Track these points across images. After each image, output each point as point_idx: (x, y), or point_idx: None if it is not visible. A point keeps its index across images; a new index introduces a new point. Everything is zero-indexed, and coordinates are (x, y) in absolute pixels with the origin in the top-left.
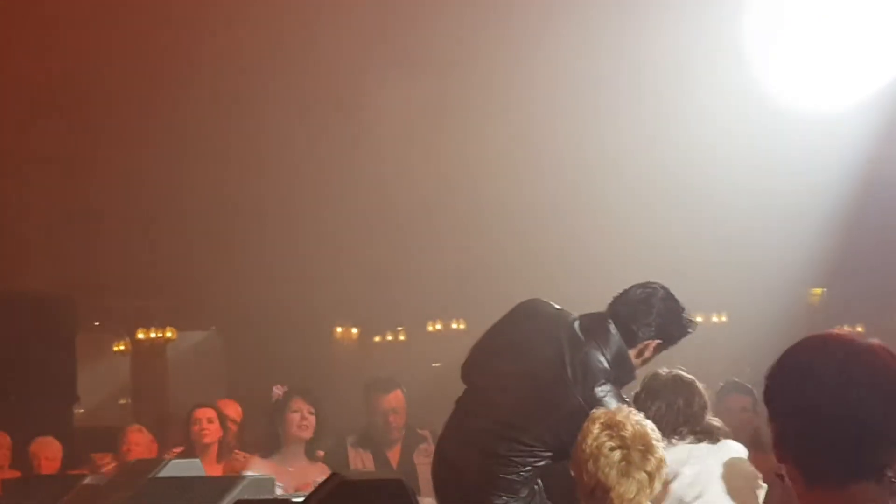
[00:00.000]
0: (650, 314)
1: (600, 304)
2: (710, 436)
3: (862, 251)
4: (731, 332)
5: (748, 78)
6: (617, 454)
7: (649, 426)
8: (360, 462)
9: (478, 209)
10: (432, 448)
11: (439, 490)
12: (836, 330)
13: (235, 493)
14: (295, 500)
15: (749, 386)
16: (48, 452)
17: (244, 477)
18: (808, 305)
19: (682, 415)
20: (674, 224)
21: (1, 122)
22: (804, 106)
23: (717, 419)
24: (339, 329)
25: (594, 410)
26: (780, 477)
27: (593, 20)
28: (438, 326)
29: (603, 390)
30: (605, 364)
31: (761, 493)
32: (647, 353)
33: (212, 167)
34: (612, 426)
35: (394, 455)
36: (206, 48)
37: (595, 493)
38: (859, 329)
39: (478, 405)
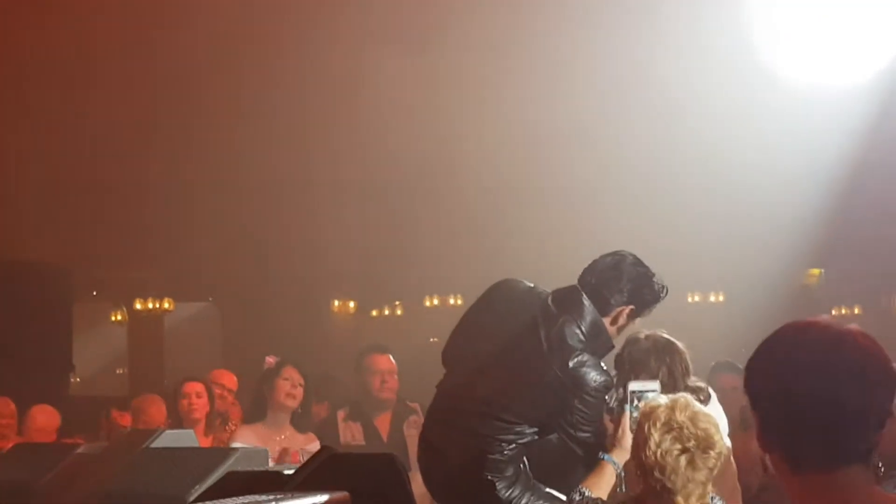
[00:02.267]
0: (620, 280)
1: None
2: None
3: (859, 232)
4: (727, 311)
5: (745, 60)
6: (683, 459)
7: (710, 420)
8: (350, 434)
9: (477, 185)
10: (422, 420)
11: (426, 475)
12: (812, 317)
13: (228, 465)
14: (286, 471)
15: (740, 366)
16: (45, 421)
17: (237, 448)
18: (805, 286)
19: (665, 385)
20: (671, 204)
21: (3, 95)
22: (802, 86)
23: (701, 381)
24: (336, 303)
25: (650, 405)
26: (765, 467)
27: (600, 4)
28: (436, 302)
29: (580, 361)
30: (581, 335)
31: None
32: (621, 321)
33: (211, 141)
34: (673, 428)
35: (383, 426)
36: (208, 22)
37: (662, 496)
38: (856, 310)
39: (458, 387)
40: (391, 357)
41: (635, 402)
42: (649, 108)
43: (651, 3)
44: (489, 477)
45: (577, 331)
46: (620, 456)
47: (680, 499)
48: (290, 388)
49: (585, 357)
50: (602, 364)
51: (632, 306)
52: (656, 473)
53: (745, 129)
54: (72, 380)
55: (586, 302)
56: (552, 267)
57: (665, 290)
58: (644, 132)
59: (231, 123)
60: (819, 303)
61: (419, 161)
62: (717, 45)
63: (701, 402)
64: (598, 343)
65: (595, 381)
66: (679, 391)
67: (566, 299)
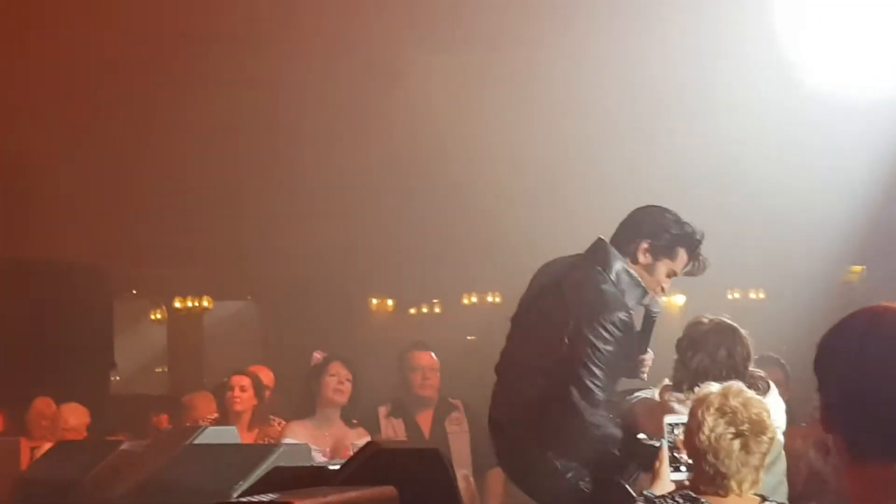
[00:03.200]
0: (635, 220)
1: None
2: (755, 389)
3: None
4: (768, 308)
5: (778, 57)
6: (736, 444)
7: (762, 405)
8: (392, 430)
9: (515, 182)
10: (463, 417)
11: (501, 458)
12: (890, 302)
13: (272, 461)
14: (331, 467)
15: (783, 361)
16: (75, 418)
17: (280, 444)
18: (846, 283)
19: (724, 367)
20: (710, 202)
21: (38, 92)
22: (846, 81)
23: (760, 370)
24: (374, 301)
25: (703, 392)
26: (826, 448)
27: (625, 2)
28: (474, 299)
29: (603, 295)
30: (610, 285)
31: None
32: (642, 258)
33: (248, 140)
34: (726, 412)
35: (425, 422)
36: (242, 16)
37: (715, 480)
38: None
39: (507, 366)
40: (433, 354)
41: (670, 434)
42: (684, 107)
43: (681, 5)
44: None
45: (602, 278)
46: (661, 489)
47: (733, 483)
48: (336, 383)
49: (609, 297)
50: (629, 309)
51: (648, 240)
52: (710, 457)
53: (783, 126)
54: (112, 379)
55: (610, 248)
56: None
57: (695, 232)
58: (679, 130)
59: (267, 122)
60: (860, 300)
61: (456, 158)
62: (748, 47)
63: (759, 391)
64: (629, 289)
65: (614, 313)
66: (741, 374)
67: (591, 251)
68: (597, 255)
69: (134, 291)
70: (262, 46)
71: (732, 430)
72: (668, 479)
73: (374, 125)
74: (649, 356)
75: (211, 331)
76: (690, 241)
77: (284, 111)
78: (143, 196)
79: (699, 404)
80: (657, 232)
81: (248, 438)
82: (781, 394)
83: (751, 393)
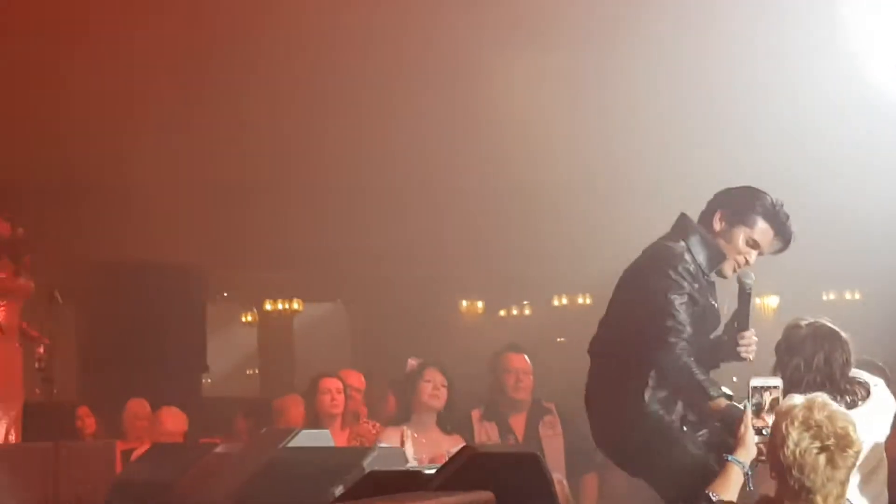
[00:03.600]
0: (716, 196)
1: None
2: (852, 396)
3: None
4: (865, 309)
5: (865, 54)
6: (822, 458)
7: (847, 419)
8: (486, 434)
9: (605, 184)
10: (557, 420)
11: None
12: None
13: (366, 464)
14: (426, 471)
15: (880, 364)
16: (173, 424)
17: (374, 448)
18: None
19: (819, 374)
20: (803, 202)
21: (134, 95)
22: None
23: (863, 372)
24: (464, 303)
25: (787, 405)
26: None
27: (699, 12)
28: (564, 301)
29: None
30: (682, 248)
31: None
32: (717, 226)
33: (336, 143)
34: (811, 426)
35: (518, 425)
36: (321, 22)
37: (800, 495)
38: None
39: (600, 352)
40: (526, 357)
41: (756, 397)
42: (768, 108)
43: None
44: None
45: (673, 244)
46: (745, 455)
47: (819, 498)
48: (431, 389)
49: (673, 249)
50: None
51: (721, 209)
52: (795, 472)
53: (874, 123)
54: (204, 381)
55: (685, 219)
56: None
57: (772, 200)
58: (765, 130)
59: (355, 125)
60: None
61: (546, 158)
62: (838, 43)
63: (857, 398)
64: (707, 250)
65: (677, 260)
66: (836, 381)
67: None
68: (672, 228)
69: (225, 294)
70: (360, 50)
71: (818, 444)
72: (752, 445)
73: (460, 126)
74: (750, 333)
75: (301, 333)
76: (766, 209)
77: (371, 113)
78: (233, 199)
79: (783, 417)
80: (730, 200)
81: (341, 441)
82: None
83: (836, 406)
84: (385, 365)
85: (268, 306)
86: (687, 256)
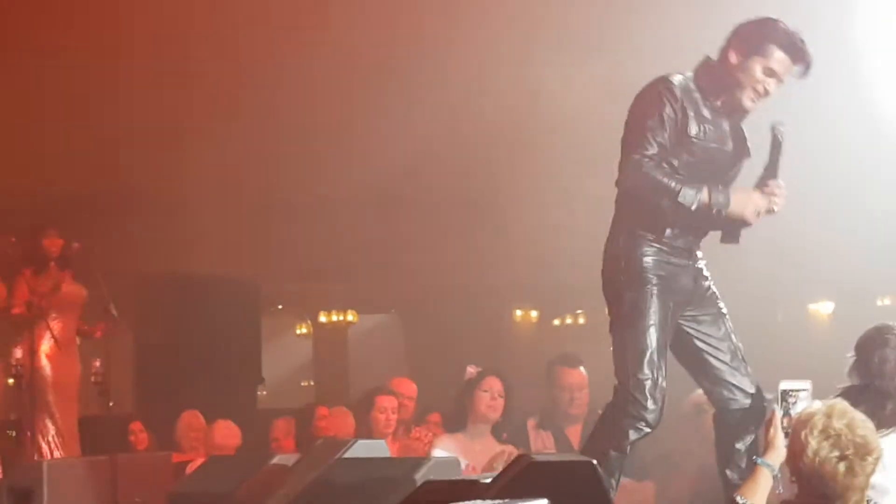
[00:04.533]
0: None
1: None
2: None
3: None
4: None
5: None
6: (841, 467)
7: (867, 426)
8: (541, 443)
9: None
10: None
11: None
12: None
13: (422, 474)
14: (483, 480)
15: None
16: (223, 438)
17: (430, 458)
18: None
19: (875, 375)
20: (855, 205)
21: (190, 110)
22: None
23: None
24: (518, 312)
25: (806, 412)
26: None
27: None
28: None
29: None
30: (672, 75)
31: None
32: (734, 59)
33: (390, 156)
34: (830, 435)
35: (574, 435)
36: (375, 32)
37: (820, 502)
38: None
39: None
40: (582, 369)
41: (787, 401)
42: (819, 112)
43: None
44: None
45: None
46: (774, 458)
47: None
48: (489, 399)
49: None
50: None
51: (734, 43)
52: (814, 480)
53: None
54: (259, 393)
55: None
56: (741, 268)
57: (786, 26)
58: (816, 133)
59: (410, 137)
60: None
61: (600, 169)
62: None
63: None
64: (705, 75)
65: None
66: (883, 384)
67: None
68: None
69: (280, 306)
70: (416, 61)
71: (837, 453)
72: (782, 448)
73: (515, 138)
74: (776, 183)
75: (356, 344)
76: (780, 36)
77: (425, 126)
78: (288, 211)
79: (802, 426)
80: (742, 30)
81: (392, 450)
82: None
83: (856, 413)
84: (440, 374)
85: (322, 318)
86: (674, 79)
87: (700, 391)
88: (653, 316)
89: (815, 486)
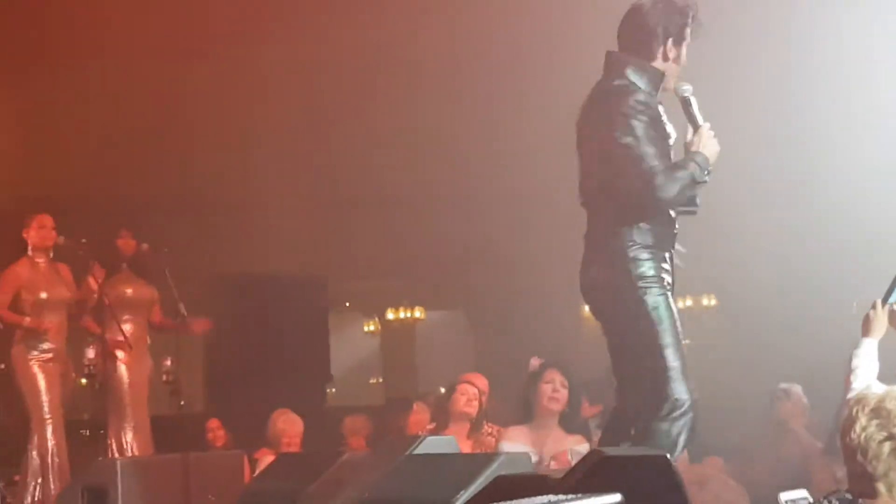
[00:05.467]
0: (640, 22)
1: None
2: None
3: None
4: None
5: None
6: (886, 447)
7: None
8: None
9: (730, 185)
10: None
11: None
12: None
13: (492, 470)
14: (554, 476)
15: None
16: (292, 430)
17: (501, 454)
18: None
19: None
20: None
21: (256, 112)
22: None
23: None
24: (586, 308)
25: (860, 393)
26: None
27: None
28: (689, 302)
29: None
30: (625, 85)
31: None
32: (672, 54)
33: (460, 152)
34: (881, 415)
35: None
36: (442, 29)
37: (863, 479)
38: None
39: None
40: None
41: None
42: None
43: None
44: None
45: (619, 83)
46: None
47: (881, 485)
48: (551, 391)
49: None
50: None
51: (666, 37)
52: (858, 457)
53: None
54: (328, 391)
55: (616, 56)
56: (812, 268)
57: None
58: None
59: (475, 135)
60: None
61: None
62: None
63: None
64: (641, 77)
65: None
66: None
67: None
68: (606, 69)
69: (347, 304)
70: (483, 57)
71: (884, 433)
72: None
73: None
74: (705, 128)
75: (423, 341)
76: (687, 17)
77: (490, 124)
78: (355, 209)
79: (856, 403)
80: (667, 24)
81: (466, 446)
82: None
83: None
84: (508, 370)
85: (390, 315)
86: (639, 95)
87: None
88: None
89: (859, 464)
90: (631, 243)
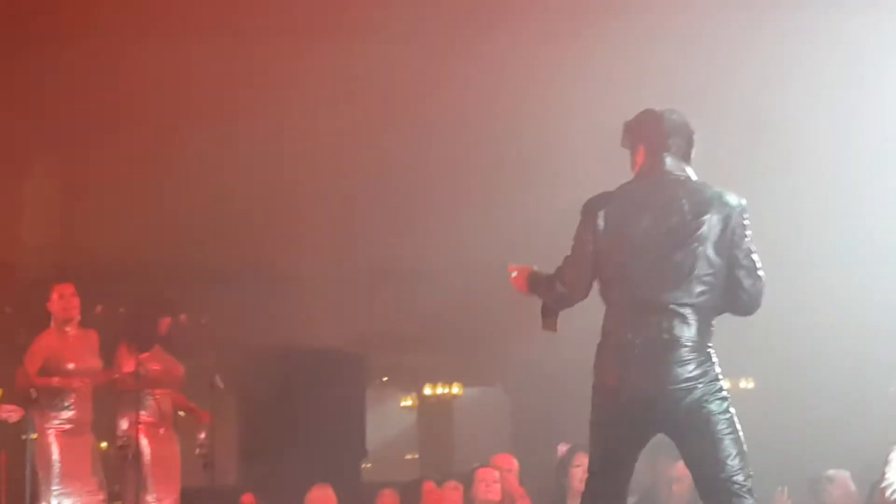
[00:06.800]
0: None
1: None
2: None
3: None
4: None
5: None
6: None
7: None
8: None
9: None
10: None
11: None
12: None
13: None
14: None
15: None
16: (322, 497)
17: None
18: None
19: None
20: None
21: (293, 185)
22: None
23: None
24: None
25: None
26: None
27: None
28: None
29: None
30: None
31: None
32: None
33: (493, 226)
34: None
35: None
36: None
37: None
38: None
39: None
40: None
41: None
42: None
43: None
44: None
45: None
46: None
47: None
48: (582, 473)
49: None
50: None
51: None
52: None
53: None
54: (363, 466)
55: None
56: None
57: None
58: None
59: (518, 204)
60: None
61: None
62: None
63: None
64: None
65: None
66: None
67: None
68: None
69: (385, 378)
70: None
71: None
72: None
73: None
74: None
75: (461, 417)
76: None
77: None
78: (393, 283)
79: (889, 464)
80: (648, 135)
81: None
82: None
83: None
84: (543, 449)
85: (427, 390)
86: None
87: None
88: None
89: None
90: None
